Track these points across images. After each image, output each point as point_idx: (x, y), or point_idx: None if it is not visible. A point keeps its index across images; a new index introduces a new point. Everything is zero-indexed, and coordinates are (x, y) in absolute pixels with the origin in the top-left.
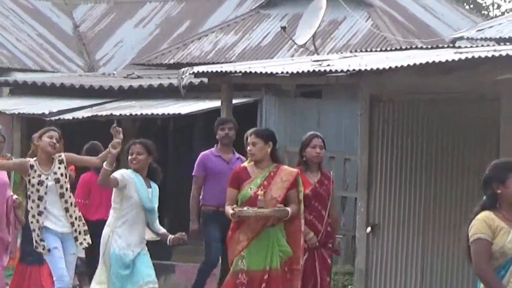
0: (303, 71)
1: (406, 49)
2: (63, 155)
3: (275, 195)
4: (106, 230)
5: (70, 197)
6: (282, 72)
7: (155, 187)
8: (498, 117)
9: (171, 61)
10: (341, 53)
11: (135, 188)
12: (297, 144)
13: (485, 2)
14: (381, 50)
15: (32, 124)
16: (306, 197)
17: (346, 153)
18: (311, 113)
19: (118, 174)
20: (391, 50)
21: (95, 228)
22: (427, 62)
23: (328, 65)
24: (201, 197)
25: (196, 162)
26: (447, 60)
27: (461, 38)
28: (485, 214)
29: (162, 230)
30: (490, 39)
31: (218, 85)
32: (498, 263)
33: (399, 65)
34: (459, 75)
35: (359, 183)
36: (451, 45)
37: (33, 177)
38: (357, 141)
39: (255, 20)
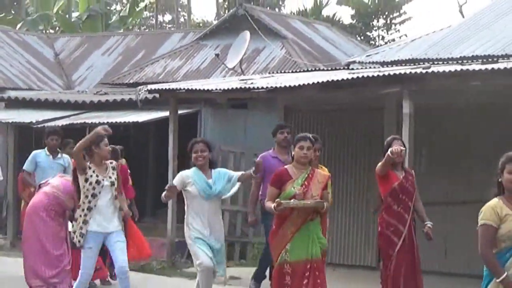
0: (232, 88)
1: (311, 71)
2: (115, 164)
3: (315, 194)
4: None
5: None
6: (216, 89)
7: None
8: (382, 124)
9: (131, 81)
10: (262, 74)
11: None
12: (228, 144)
13: (372, 35)
14: (292, 72)
15: (22, 131)
16: (394, 191)
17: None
18: (239, 121)
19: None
20: (300, 71)
21: None
22: (327, 80)
23: (252, 83)
24: (260, 193)
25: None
26: (342, 79)
27: (353, 62)
28: (494, 202)
29: None
30: (376, 63)
31: (167, 99)
32: (505, 245)
33: (306, 83)
34: (352, 90)
35: None
36: (346, 67)
37: (91, 176)
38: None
39: (195, 49)
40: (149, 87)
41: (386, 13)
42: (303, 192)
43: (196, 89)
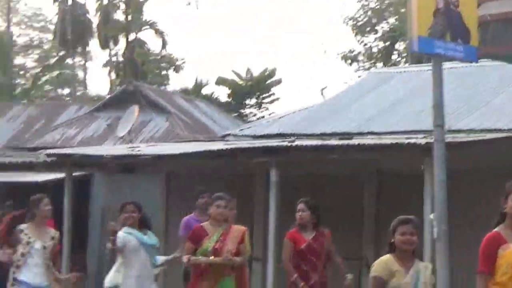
0: (121, 154)
1: (192, 141)
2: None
3: (231, 248)
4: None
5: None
6: (107, 155)
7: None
8: (252, 189)
9: (32, 146)
10: (148, 143)
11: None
12: (116, 206)
13: (245, 112)
14: (175, 142)
15: None
16: (301, 252)
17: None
18: (126, 185)
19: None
20: (181, 142)
21: None
22: (206, 150)
23: (139, 150)
24: None
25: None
26: (219, 149)
27: (228, 134)
28: (386, 258)
29: None
30: (248, 136)
31: (64, 163)
32: None
33: (187, 151)
34: (227, 159)
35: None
36: (222, 139)
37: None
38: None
39: (90, 119)
40: (48, 151)
41: (258, 93)
42: (219, 247)
43: (89, 154)
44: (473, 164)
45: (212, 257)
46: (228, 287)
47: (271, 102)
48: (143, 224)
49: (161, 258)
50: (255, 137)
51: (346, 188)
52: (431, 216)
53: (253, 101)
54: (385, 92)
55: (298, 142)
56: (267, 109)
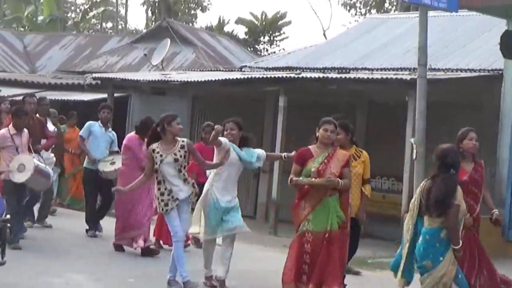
0: (155, 79)
1: (214, 71)
2: (186, 142)
3: (334, 171)
4: (206, 185)
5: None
6: (143, 79)
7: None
8: (263, 113)
9: (80, 70)
10: (177, 71)
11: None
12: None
13: (260, 48)
14: (200, 71)
15: None
16: (463, 183)
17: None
18: (159, 105)
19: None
20: (205, 71)
21: None
22: (226, 78)
23: (170, 77)
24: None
25: None
26: (237, 78)
27: (245, 66)
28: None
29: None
30: (262, 68)
31: (107, 85)
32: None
33: (210, 79)
34: (244, 87)
35: None
36: (239, 70)
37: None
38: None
39: (129, 49)
40: (94, 75)
41: (270, 32)
42: (322, 169)
43: (127, 78)
44: (448, 98)
45: (313, 178)
46: (331, 205)
47: (282, 40)
48: (242, 143)
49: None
50: (267, 69)
51: (342, 113)
52: (412, 140)
53: (266, 38)
54: (377, 35)
55: (303, 74)
56: (278, 45)
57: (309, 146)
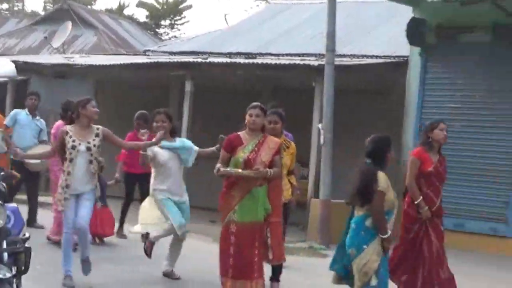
0: (59, 63)
1: (117, 54)
2: (100, 130)
3: (264, 159)
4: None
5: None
6: (46, 63)
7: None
8: (168, 97)
9: None
10: (79, 54)
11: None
12: (51, 105)
13: (160, 31)
14: (104, 54)
15: None
16: (428, 174)
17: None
18: (60, 88)
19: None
20: (108, 54)
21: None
22: (132, 62)
23: (74, 60)
24: None
25: None
26: (144, 62)
27: (148, 50)
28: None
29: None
30: (166, 52)
31: None
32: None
33: (115, 63)
34: (146, 70)
35: None
36: (143, 54)
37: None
38: None
39: (29, 31)
40: None
41: (171, 16)
42: (252, 158)
43: (30, 61)
44: (354, 84)
45: (240, 170)
46: (260, 195)
47: (183, 24)
48: (172, 133)
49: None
50: (171, 53)
51: (247, 101)
52: (319, 126)
53: (167, 22)
54: (281, 21)
55: (210, 59)
56: (179, 30)
57: (239, 132)
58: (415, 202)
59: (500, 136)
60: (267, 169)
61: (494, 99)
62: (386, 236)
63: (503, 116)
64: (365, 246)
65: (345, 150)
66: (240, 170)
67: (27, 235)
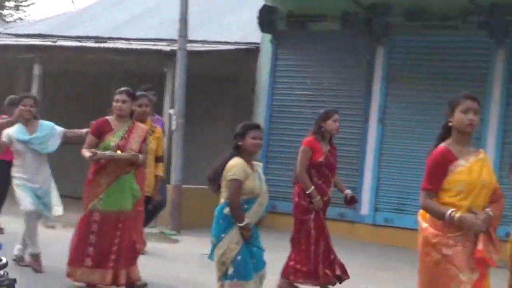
0: None
1: None
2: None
3: (134, 147)
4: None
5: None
6: None
7: None
8: (16, 80)
9: None
10: None
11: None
12: None
13: (5, 13)
14: None
15: None
16: (318, 164)
17: None
18: None
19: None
20: None
21: None
22: None
23: None
24: None
25: None
26: None
27: None
28: (241, 161)
29: None
30: (12, 34)
31: None
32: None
33: None
34: None
35: None
36: None
37: None
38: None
39: None
40: None
41: None
42: (123, 145)
43: None
44: (206, 70)
45: (119, 151)
46: (127, 183)
47: (28, 6)
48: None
49: None
50: (18, 35)
51: (97, 85)
52: (171, 111)
53: (12, 4)
54: (131, 5)
55: (60, 43)
56: (24, 12)
57: (107, 117)
58: (307, 192)
59: (347, 123)
60: (138, 153)
61: (341, 87)
62: (242, 224)
63: (351, 103)
64: (223, 235)
65: (196, 136)
66: (119, 152)
67: (4, 260)
